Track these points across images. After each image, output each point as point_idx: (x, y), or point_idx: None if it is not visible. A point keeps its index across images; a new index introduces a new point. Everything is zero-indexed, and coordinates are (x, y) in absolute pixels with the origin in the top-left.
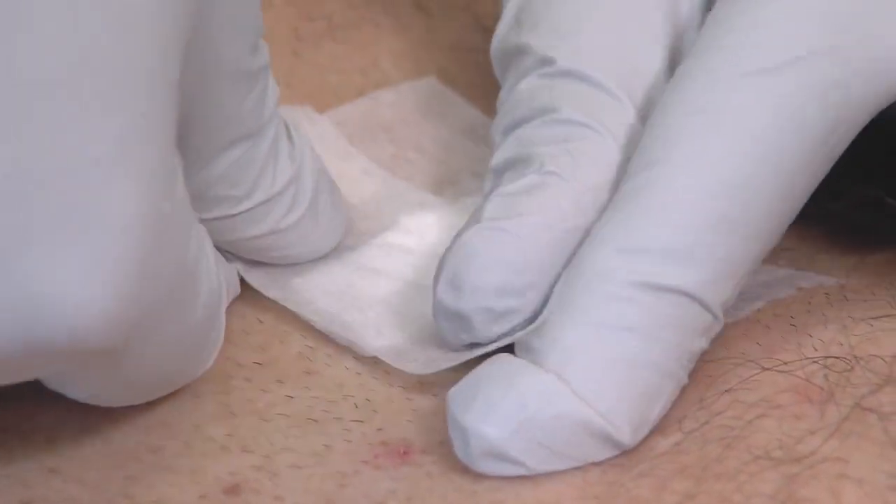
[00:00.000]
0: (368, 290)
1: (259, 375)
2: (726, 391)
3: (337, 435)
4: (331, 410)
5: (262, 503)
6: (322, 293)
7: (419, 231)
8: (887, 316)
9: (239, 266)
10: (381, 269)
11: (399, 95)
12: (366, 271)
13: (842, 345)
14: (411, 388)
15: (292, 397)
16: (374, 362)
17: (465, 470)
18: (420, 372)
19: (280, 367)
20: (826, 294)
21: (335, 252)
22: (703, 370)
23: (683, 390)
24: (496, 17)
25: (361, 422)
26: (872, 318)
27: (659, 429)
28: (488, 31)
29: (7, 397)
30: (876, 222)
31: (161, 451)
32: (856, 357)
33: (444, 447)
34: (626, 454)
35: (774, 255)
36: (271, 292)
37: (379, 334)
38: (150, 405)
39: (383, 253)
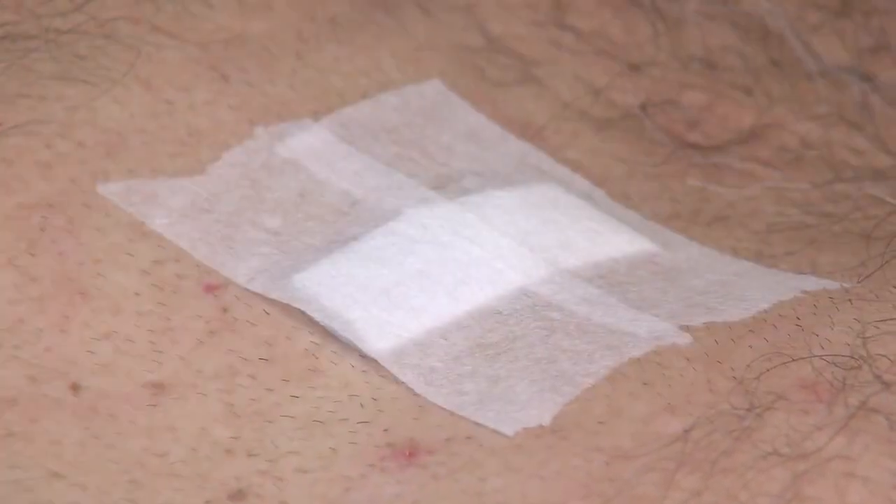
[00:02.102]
0: (370, 282)
1: (264, 373)
2: (734, 377)
3: (343, 437)
4: (336, 411)
5: None
6: (323, 288)
7: (421, 223)
8: (893, 319)
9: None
10: (383, 259)
11: (403, 98)
12: (368, 261)
13: (849, 345)
14: (417, 383)
15: (297, 397)
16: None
17: (472, 470)
18: (415, 389)
19: (285, 364)
20: (831, 298)
21: (337, 243)
22: (707, 352)
23: (688, 364)
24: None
25: (367, 422)
26: (878, 321)
27: (668, 407)
28: (490, 34)
29: (9, 400)
30: (878, 224)
31: (166, 456)
32: (863, 357)
33: (450, 445)
34: (633, 439)
35: (776, 259)
36: (274, 294)
37: (381, 334)
38: (156, 406)
39: (386, 243)
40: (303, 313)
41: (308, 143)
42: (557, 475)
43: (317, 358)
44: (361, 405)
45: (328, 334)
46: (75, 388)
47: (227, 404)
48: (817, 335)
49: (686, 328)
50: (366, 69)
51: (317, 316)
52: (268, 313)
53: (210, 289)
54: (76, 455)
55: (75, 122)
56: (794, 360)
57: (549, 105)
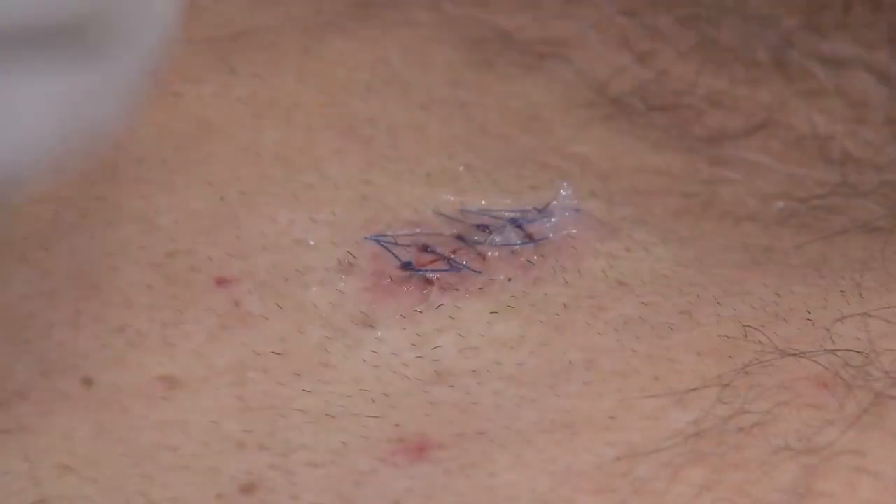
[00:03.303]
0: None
1: (276, 367)
2: (745, 372)
3: (354, 431)
4: (347, 406)
5: (279, 502)
6: None
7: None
8: None
9: None
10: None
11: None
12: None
13: (859, 339)
14: (428, 379)
15: (309, 391)
16: (391, 355)
17: (482, 465)
18: None
19: (297, 358)
20: (842, 292)
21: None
22: (716, 346)
23: (699, 359)
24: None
25: (378, 417)
26: (890, 316)
27: (679, 401)
28: (497, 26)
29: (21, 394)
30: (889, 219)
31: (178, 450)
32: (874, 351)
33: (461, 440)
34: (644, 434)
35: (785, 254)
36: None
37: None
38: (167, 400)
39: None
40: (315, 308)
41: None
42: (568, 470)
43: (328, 352)
44: (372, 400)
45: (340, 328)
46: (87, 381)
47: (238, 398)
48: (828, 329)
49: (696, 322)
50: (371, 62)
51: None
52: (280, 307)
53: (222, 283)
54: (87, 449)
55: None
56: (804, 354)
57: (557, 98)
